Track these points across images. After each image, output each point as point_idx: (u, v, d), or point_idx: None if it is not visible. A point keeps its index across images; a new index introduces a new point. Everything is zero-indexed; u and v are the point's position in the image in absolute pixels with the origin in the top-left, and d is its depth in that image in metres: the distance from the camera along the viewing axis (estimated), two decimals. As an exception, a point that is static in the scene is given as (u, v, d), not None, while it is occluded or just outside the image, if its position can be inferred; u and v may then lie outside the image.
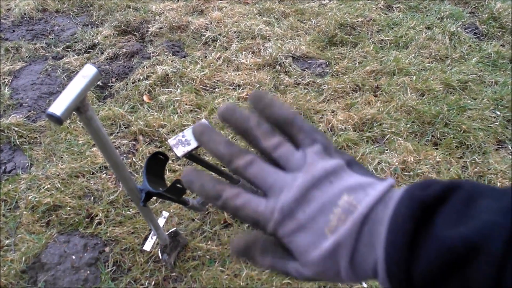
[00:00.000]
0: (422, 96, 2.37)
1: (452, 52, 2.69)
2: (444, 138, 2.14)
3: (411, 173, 1.95)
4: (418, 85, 2.40)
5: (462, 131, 2.16)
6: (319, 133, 0.34)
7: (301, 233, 0.30)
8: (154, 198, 1.72)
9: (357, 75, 2.46)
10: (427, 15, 3.04)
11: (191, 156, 1.18)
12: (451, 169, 1.98)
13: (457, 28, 2.88)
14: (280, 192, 0.31)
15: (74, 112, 0.75)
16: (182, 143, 1.14)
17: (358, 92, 2.38)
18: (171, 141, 1.14)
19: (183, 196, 1.30)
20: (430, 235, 0.26)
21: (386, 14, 3.03)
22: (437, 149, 2.10)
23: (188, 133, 1.15)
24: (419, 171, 1.96)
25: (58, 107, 0.71)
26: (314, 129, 0.34)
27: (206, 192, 0.32)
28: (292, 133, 0.34)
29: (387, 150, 2.07)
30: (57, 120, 0.71)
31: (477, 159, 2.04)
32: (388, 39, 2.77)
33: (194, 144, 1.14)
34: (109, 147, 0.90)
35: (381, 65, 2.55)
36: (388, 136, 2.12)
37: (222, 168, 1.38)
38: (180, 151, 1.12)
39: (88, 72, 0.75)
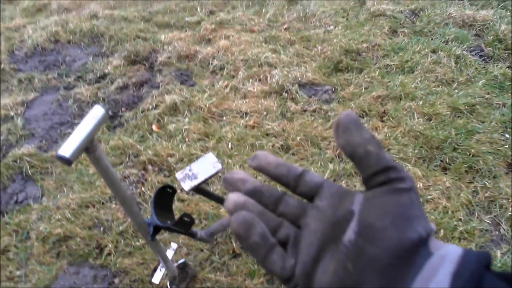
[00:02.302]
0: (430, 121, 2.37)
1: (458, 75, 2.70)
2: (453, 163, 2.12)
3: (421, 199, 1.93)
4: (425, 109, 2.41)
5: (471, 155, 2.15)
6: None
7: None
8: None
9: (363, 101, 2.48)
10: (432, 39, 3.07)
11: (198, 190, 1.19)
12: (461, 194, 1.96)
13: (462, 51, 2.90)
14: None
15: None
16: (189, 177, 1.15)
17: (365, 118, 2.40)
18: (179, 175, 1.16)
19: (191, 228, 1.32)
20: None
21: (391, 39, 3.07)
22: (446, 174, 2.09)
23: (195, 167, 1.17)
24: (428, 197, 1.94)
25: (67, 149, 0.73)
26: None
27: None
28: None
29: (395, 176, 2.05)
30: (67, 161, 0.73)
31: (487, 183, 2.02)
32: (393, 64, 2.80)
33: (201, 177, 1.15)
34: (117, 184, 0.91)
35: (387, 90, 2.57)
36: (396, 161, 2.11)
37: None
38: (187, 185, 1.14)
39: (96, 113, 0.77)
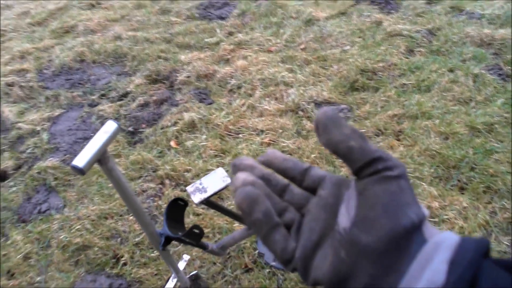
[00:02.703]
0: (446, 140, 2.36)
1: (476, 94, 2.68)
2: (471, 183, 2.10)
3: (437, 219, 1.92)
4: (442, 128, 2.40)
5: (489, 175, 2.12)
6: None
7: None
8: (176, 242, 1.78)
9: (379, 120, 2.49)
10: (449, 58, 3.07)
11: (208, 203, 1.23)
12: (479, 214, 1.93)
13: (480, 70, 2.88)
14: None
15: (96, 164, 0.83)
16: (199, 190, 1.20)
17: (381, 137, 2.40)
18: (189, 188, 1.21)
19: (202, 240, 1.35)
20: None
21: (407, 58, 3.09)
22: (463, 194, 2.06)
23: (205, 181, 1.21)
24: (445, 217, 1.92)
25: (81, 160, 0.79)
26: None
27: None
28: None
29: (410, 194, 2.05)
30: (80, 171, 0.79)
31: (506, 204, 1.99)
32: (410, 83, 2.81)
33: (211, 191, 1.20)
34: (129, 195, 0.96)
35: (403, 109, 2.57)
36: (411, 181, 2.11)
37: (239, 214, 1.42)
38: (197, 198, 1.18)
39: (109, 128, 0.83)
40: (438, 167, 2.17)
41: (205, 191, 1.20)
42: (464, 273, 0.26)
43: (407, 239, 0.29)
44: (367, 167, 0.31)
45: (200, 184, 1.22)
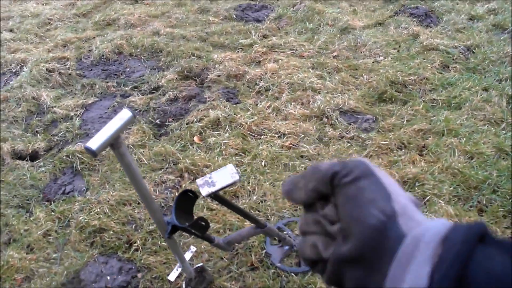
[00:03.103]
0: (471, 160, 2.30)
1: (508, 116, 2.59)
2: (491, 205, 2.04)
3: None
4: (468, 147, 2.34)
5: (511, 199, 2.06)
6: None
7: None
8: (186, 234, 1.83)
9: (403, 133, 2.46)
10: (485, 77, 2.98)
11: (216, 197, 1.27)
12: (496, 238, 1.87)
13: (516, 91, 2.79)
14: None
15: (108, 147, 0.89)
16: (208, 184, 1.24)
17: (403, 150, 2.37)
18: (199, 181, 1.25)
19: (210, 234, 1.39)
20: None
21: (441, 73, 3.02)
22: (482, 216, 2.01)
23: (215, 175, 1.25)
24: (459, 236, 1.88)
25: (94, 142, 0.85)
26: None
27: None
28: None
29: (426, 211, 2.01)
30: (93, 153, 0.85)
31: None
32: (440, 99, 2.75)
33: (219, 185, 1.24)
34: (139, 180, 1.02)
35: (430, 124, 2.53)
36: (429, 197, 2.08)
37: (247, 212, 1.46)
38: (205, 191, 1.23)
39: (124, 115, 0.89)
40: (458, 186, 2.12)
41: (214, 185, 1.24)
42: (448, 272, 0.25)
43: (380, 238, 0.29)
44: (332, 187, 0.34)
45: (210, 178, 1.26)
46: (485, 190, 2.10)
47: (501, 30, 3.62)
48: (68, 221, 1.97)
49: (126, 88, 2.97)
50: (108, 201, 2.05)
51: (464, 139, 2.41)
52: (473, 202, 2.06)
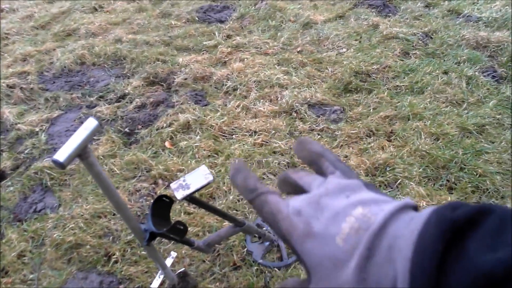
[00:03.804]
0: (437, 141, 2.38)
1: (469, 96, 2.70)
2: (459, 182, 2.12)
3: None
4: (433, 129, 2.42)
5: (478, 175, 2.14)
6: (343, 163, 0.38)
7: (312, 240, 0.30)
8: (165, 239, 1.81)
9: (371, 121, 2.52)
10: (444, 61, 3.09)
11: (191, 199, 1.27)
12: (466, 214, 1.95)
13: (474, 72, 2.90)
14: (298, 201, 0.33)
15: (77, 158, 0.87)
16: (182, 187, 1.24)
17: (372, 137, 2.43)
18: (173, 185, 1.25)
19: (189, 237, 1.39)
20: (463, 259, 0.24)
21: (402, 60, 3.11)
22: (451, 193, 2.09)
23: (188, 178, 1.25)
24: (432, 216, 1.94)
25: (62, 154, 0.83)
26: (339, 160, 0.38)
27: (246, 183, 0.36)
28: (320, 163, 0.38)
29: (399, 194, 2.08)
30: (61, 165, 0.83)
31: (494, 203, 2.00)
32: (403, 85, 2.83)
33: (193, 187, 1.23)
34: (111, 189, 1.01)
35: (395, 110, 2.60)
36: (400, 180, 2.14)
37: (224, 211, 1.46)
38: (180, 194, 1.22)
39: (90, 124, 0.87)
40: (427, 167, 2.20)
41: (188, 188, 1.24)
42: (424, 281, 0.25)
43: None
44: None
45: (184, 181, 1.26)
46: (453, 168, 2.18)
47: (456, 15, 3.75)
48: (42, 239, 1.92)
49: (92, 99, 2.91)
50: (82, 215, 2.01)
51: (429, 121, 2.49)
52: (442, 181, 2.13)
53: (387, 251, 0.27)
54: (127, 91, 2.94)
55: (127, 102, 2.86)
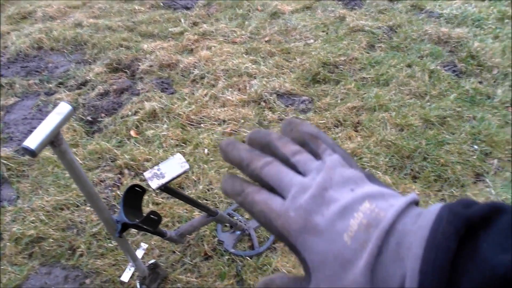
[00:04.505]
0: (402, 131, 2.45)
1: (431, 89, 2.80)
2: (423, 172, 2.20)
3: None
4: (398, 120, 2.49)
5: (440, 165, 2.23)
6: (341, 147, 0.34)
7: (315, 237, 0.28)
8: (136, 231, 1.76)
9: (338, 111, 2.55)
10: (408, 54, 3.18)
11: (166, 189, 1.23)
12: (430, 201, 2.03)
13: (436, 66, 3.01)
14: (296, 192, 0.30)
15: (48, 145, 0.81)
16: (157, 176, 1.19)
17: (340, 128, 2.47)
18: (147, 174, 1.20)
19: (160, 228, 1.35)
20: (476, 258, 0.23)
21: (368, 53, 3.17)
22: (415, 182, 2.16)
23: (163, 166, 1.21)
24: (397, 204, 2.00)
25: (33, 141, 0.77)
26: (336, 143, 0.35)
27: (233, 189, 0.33)
28: (316, 146, 0.34)
29: (366, 183, 2.12)
30: (32, 153, 0.77)
31: (455, 192, 2.10)
32: (369, 77, 2.89)
33: (169, 176, 1.19)
34: (83, 179, 0.95)
35: (362, 101, 2.65)
36: (367, 169, 2.18)
37: (199, 201, 1.43)
38: (155, 183, 1.18)
39: (62, 109, 0.81)
40: (393, 157, 2.26)
41: (163, 177, 1.19)
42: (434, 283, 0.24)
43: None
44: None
45: (158, 170, 1.21)
46: (417, 158, 2.25)
47: (418, 10, 3.86)
48: (0, 234, 1.80)
49: (50, 85, 2.75)
50: (43, 207, 1.90)
51: (394, 113, 2.56)
52: (407, 171, 2.20)
53: (395, 248, 0.26)
54: (88, 78, 2.81)
55: (88, 89, 2.74)
